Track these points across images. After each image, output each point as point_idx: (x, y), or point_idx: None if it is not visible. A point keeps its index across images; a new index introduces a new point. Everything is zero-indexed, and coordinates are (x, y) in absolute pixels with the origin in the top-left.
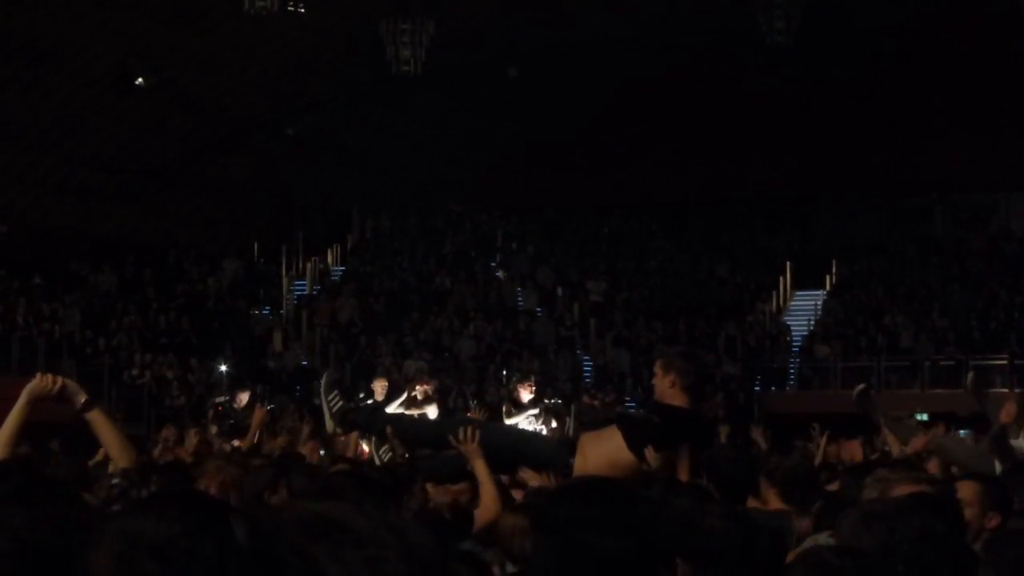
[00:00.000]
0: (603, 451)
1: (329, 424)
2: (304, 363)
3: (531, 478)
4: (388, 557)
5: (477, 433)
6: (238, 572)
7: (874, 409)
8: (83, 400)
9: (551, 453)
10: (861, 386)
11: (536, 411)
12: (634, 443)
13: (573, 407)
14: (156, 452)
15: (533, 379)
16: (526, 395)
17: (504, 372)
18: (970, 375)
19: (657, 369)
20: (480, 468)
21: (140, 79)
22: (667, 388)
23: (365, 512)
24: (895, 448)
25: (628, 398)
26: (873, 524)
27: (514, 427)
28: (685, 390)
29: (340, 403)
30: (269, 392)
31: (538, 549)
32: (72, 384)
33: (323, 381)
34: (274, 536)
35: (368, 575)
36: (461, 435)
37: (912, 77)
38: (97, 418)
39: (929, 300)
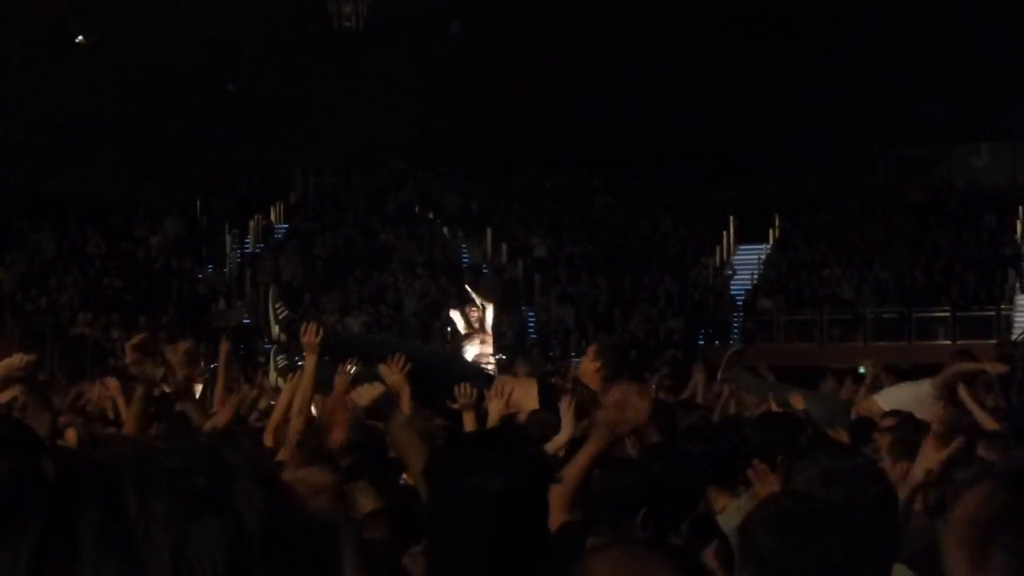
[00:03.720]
0: (519, 396)
1: (275, 360)
2: (246, 321)
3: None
4: (191, 470)
5: (405, 363)
6: (39, 506)
7: (740, 377)
8: None
9: (472, 373)
10: (737, 348)
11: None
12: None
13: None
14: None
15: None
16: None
17: (448, 329)
18: (727, 354)
19: (590, 352)
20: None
21: (80, 36)
22: (591, 371)
23: (180, 439)
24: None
25: (573, 353)
26: (831, 485)
27: (441, 350)
28: (605, 380)
29: (286, 312)
30: (211, 350)
31: (432, 496)
32: None
33: (271, 291)
34: (81, 470)
35: (167, 491)
36: (390, 362)
37: (854, 30)
38: None
39: (871, 253)
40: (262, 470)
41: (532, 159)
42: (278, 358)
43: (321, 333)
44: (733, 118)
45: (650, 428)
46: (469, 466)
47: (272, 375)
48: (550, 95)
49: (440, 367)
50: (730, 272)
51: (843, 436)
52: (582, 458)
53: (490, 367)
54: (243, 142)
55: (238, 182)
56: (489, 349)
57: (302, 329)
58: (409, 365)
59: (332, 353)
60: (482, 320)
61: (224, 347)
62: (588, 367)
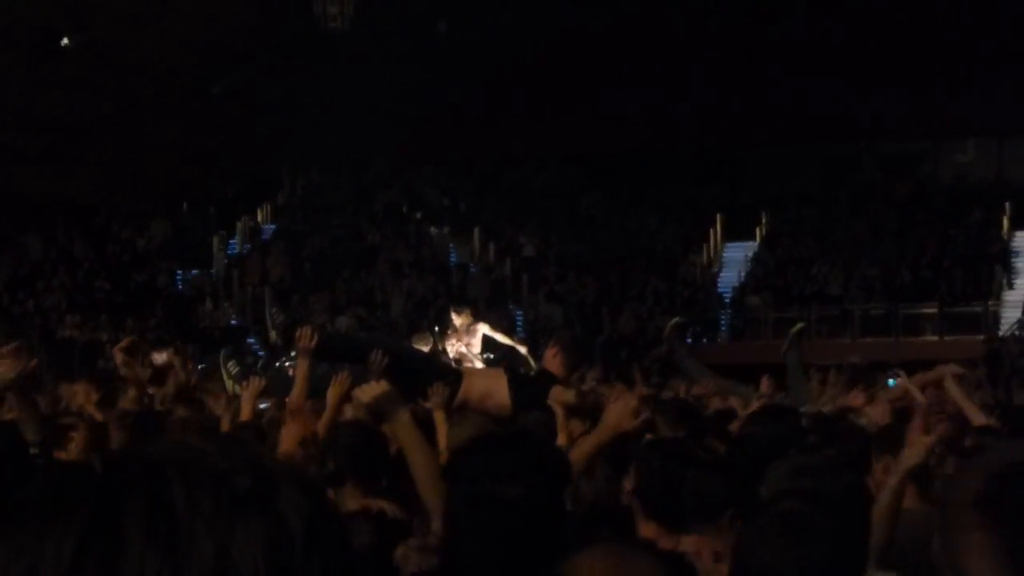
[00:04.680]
0: (486, 386)
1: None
2: (234, 322)
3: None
4: (235, 470)
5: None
6: (86, 499)
7: (680, 349)
8: None
9: (444, 370)
10: (675, 320)
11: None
12: (516, 401)
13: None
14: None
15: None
16: (454, 317)
17: (436, 328)
18: (668, 326)
19: (552, 342)
20: None
21: (65, 39)
22: (551, 358)
23: (220, 439)
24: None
25: None
26: (801, 478)
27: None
28: (566, 367)
29: (282, 317)
30: (200, 352)
31: (450, 500)
32: None
33: (266, 296)
34: (127, 466)
35: (213, 489)
36: (372, 359)
37: (840, 25)
38: None
39: (858, 249)
40: (303, 476)
41: (519, 157)
42: (228, 365)
43: (315, 338)
44: (720, 115)
45: (676, 425)
46: (489, 470)
47: (228, 383)
48: (537, 93)
49: (417, 364)
50: (717, 269)
51: None
52: (586, 446)
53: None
54: (229, 143)
55: (224, 183)
56: (470, 351)
57: (297, 334)
58: (386, 359)
59: (319, 355)
60: (468, 325)
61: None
62: (550, 354)
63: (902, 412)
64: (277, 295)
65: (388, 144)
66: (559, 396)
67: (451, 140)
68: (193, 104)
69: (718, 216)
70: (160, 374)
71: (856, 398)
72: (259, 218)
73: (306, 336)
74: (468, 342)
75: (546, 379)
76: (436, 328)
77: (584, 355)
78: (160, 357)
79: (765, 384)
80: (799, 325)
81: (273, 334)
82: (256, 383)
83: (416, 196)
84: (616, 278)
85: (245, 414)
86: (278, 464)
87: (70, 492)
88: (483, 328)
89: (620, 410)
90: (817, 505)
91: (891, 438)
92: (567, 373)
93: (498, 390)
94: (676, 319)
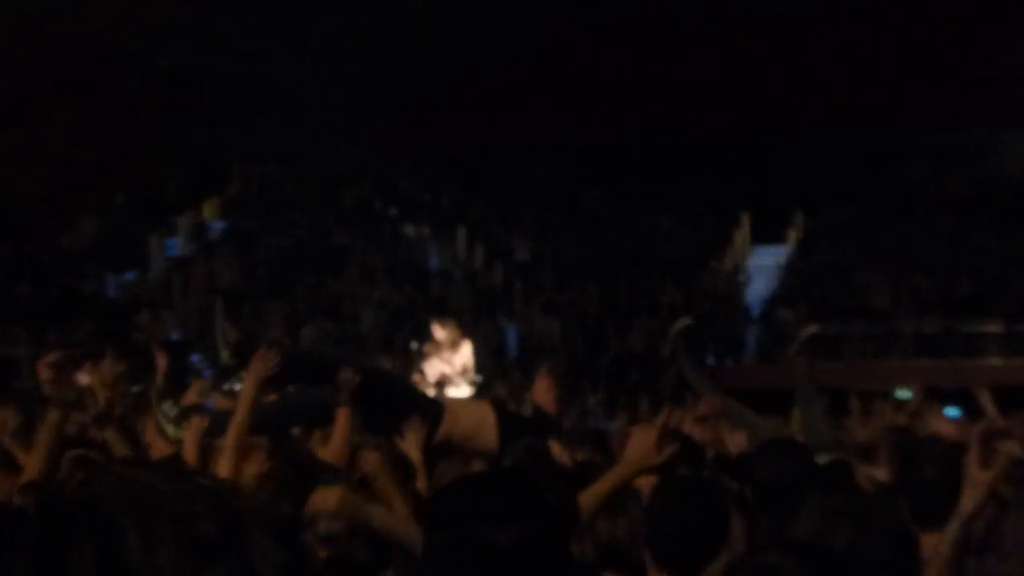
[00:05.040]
0: (473, 421)
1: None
2: (175, 337)
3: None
4: (198, 515)
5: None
6: (24, 551)
7: (687, 358)
8: None
9: (423, 401)
10: (682, 322)
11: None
12: (503, 437)
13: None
14: None
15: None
16: (436, 330)
17: (414, 344)
18: (674, 327)
19: (542, 374)
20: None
21: None
22: (544, 391)
23: (174, 475)
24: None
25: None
26: (837, 523)
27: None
28: (559, 400)
29: (235, 334)
30: (136, 371)
31: (428, 546)
32: None
33: (217, 309)
34: (71, 510)
35: (173, 538)
36: (343, 377)
37: None
38: None
39: (907, 256)
40: (276, 520)
41: (512, 147)
42: (164, 406)
43: (277, 362)
44: (746, 99)
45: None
46: (474, 513)
47: (168, 428)
48: (535, 73)
49: (393, 391)
50: (743, 278)
51: None
52: (602, 488)
53: (455, 391)
54: (172, 127)
55: (166, 173)
56: (452, 370)
57: (258, 355)
58: (357, 379)
59: (280, 377)
60: (453, 340)
61: (161, 361)
62: (541, 387)
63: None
64: (227, 305)
65: (359, 130)
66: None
67: (434, 126)
68: (130, 81)
69: (744, 216)
70: (87, 396)
71: (941, 422)
72: (206, 214)
73: (267, 360)
74: (451, 360)
75: (540, 417)
76: (414, 344)
77: (582, 381)
78: (85, 377)
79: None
80: (811, 328)
81: (225, 354)
82: (198, 422)
83: (391, 190)
84: (624, 288)
85: (191, 459)
86: (247, 506)
87: (3, 542)
88: (469, 347)
89: (642, 444)
90: (806, 560)
91: None
92: (562, 408)
93: (485, 428)
94: (683, 320)
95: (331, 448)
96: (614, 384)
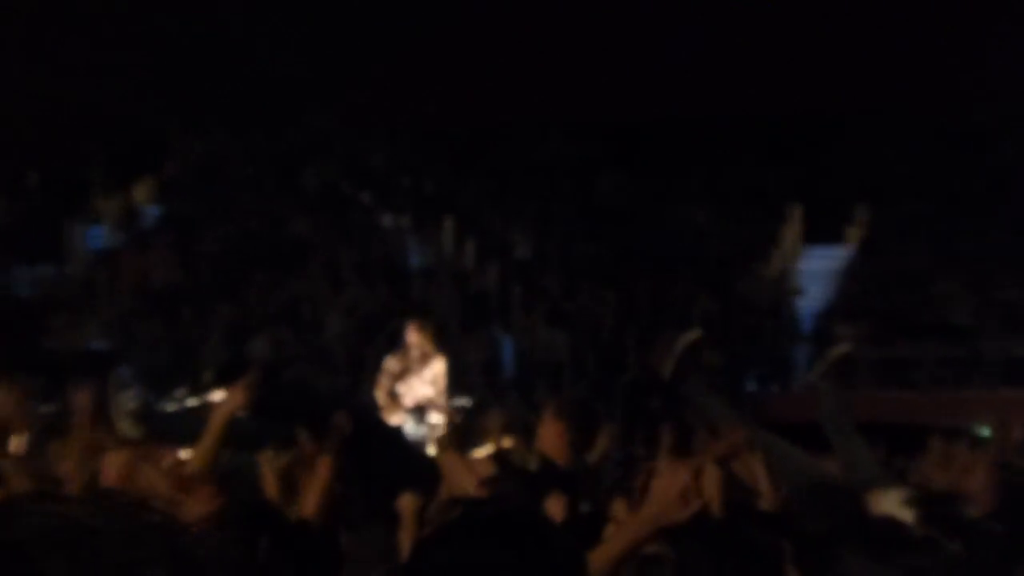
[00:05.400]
0: (470, 485)
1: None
2: (96, 346)
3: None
4: (145, 560)
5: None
6: None
7: (697, 379)
8: None
9: (417, 467)
10: (692, 333)
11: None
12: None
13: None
14: None
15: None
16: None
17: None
18: (682, 339)
19: (548, 413)
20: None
21: None
22: (553, 438)
23: (115, 511)
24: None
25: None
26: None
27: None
28: (571, 444)
29: (139, 399)
30: (48, 387)
31: None
32: None
33: (113, 378)
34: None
35: None
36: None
37: None
38: None
39: (995, 263)
40: (238, 562)
41: (511, 123)
42: (124, 396)
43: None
44: (797, 69)
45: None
46: (471, 564)
47: (126, 424)
48: (541, 29)
49: (387, 447)
50: (793, 286)
51: None
52: (618, 544)
53: (435, 419)
54: (98, 91)
55: (90, 148)
56: (433, 392)
57: (244, 382)
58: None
59: (259, 409)
60: (424, 353)
61: (83, 400)
62: (549, 432)
63: None
64: (160, 305)
65: (325, 96)
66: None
67: (416, 95)
68: (45, 34)
69: (794, 210)
70: None
71: None
72: (137, 198)
73: (249, 391)
74: (418, 376)
75: (550, 470)
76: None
77: (594, 428)
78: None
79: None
80: (843, 347)
81: (126, 423)
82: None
83: (363, 171)
84: (646, 294)
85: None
86: (206, 544)
87: None
88: (440, 366)
89: (667, 492)
90: None
91: None
92: (576, 455)
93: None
94: (693, 331)
95: (307, 503)
96: (632, 412)
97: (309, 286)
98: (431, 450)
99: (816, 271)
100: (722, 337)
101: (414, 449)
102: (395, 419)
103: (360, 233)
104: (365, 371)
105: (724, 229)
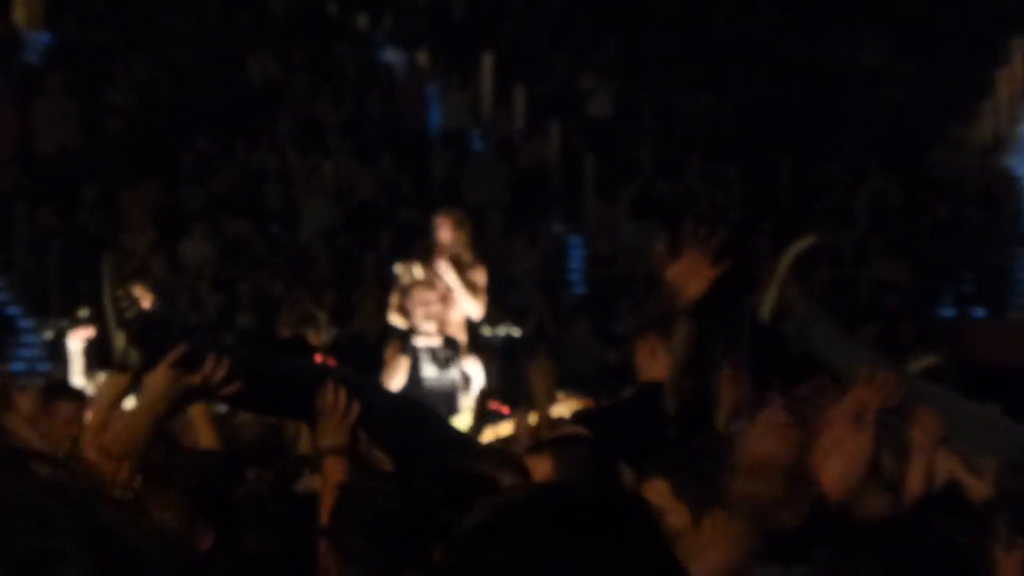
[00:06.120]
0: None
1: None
2: None
3: None
4: (49, 530)
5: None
6: None
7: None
8: None
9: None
10: (807, 241)
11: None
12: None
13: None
14: None
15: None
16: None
17: (398, 269)
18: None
19: (648, 332)
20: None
21: None
22: (646, 358)
23: (17, 471)
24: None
25: None
26: None
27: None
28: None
29: (137, 306)
30: None
31: None
32: None
33: (104, 265)
34: None
35: (11, 562)
36: (329, 399)
37: None
38: None
39: None
40: (181, 549)
41: None
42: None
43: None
44: None
45: None
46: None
47: (117, 340)
48: None
49: (410, 428)
50: (1013, 159)
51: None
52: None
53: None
54: None
55: None
56: (474, 314)
57: (208, 367)
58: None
59: (237, 401)
60: (463, 261)
61: None
62: (643, 351)
63: None
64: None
65: None
66: None
67: None
68: None
69: (1015, 45)
70: None
71: None
72: (18, 19)
73: (213, 375)
74: (448, 294)
75: (652, 394)
76: (399, 269)
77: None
78: None
79: None
80: (808, 239)
81: (120, 338)
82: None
83: None
84: (787, 171)
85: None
86: (134, 522)
87: None
88: (481, 277)
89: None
90: None
91: None
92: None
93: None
94: (804, 241)
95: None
96: (764, 350)
97: (276, 157)
98: (464, 415)
99: None
100: (903, 237)
101: (444, 427)
102: (404, 363)
103: (353, 77)
104: (361, 285)
105: (907, 75)
